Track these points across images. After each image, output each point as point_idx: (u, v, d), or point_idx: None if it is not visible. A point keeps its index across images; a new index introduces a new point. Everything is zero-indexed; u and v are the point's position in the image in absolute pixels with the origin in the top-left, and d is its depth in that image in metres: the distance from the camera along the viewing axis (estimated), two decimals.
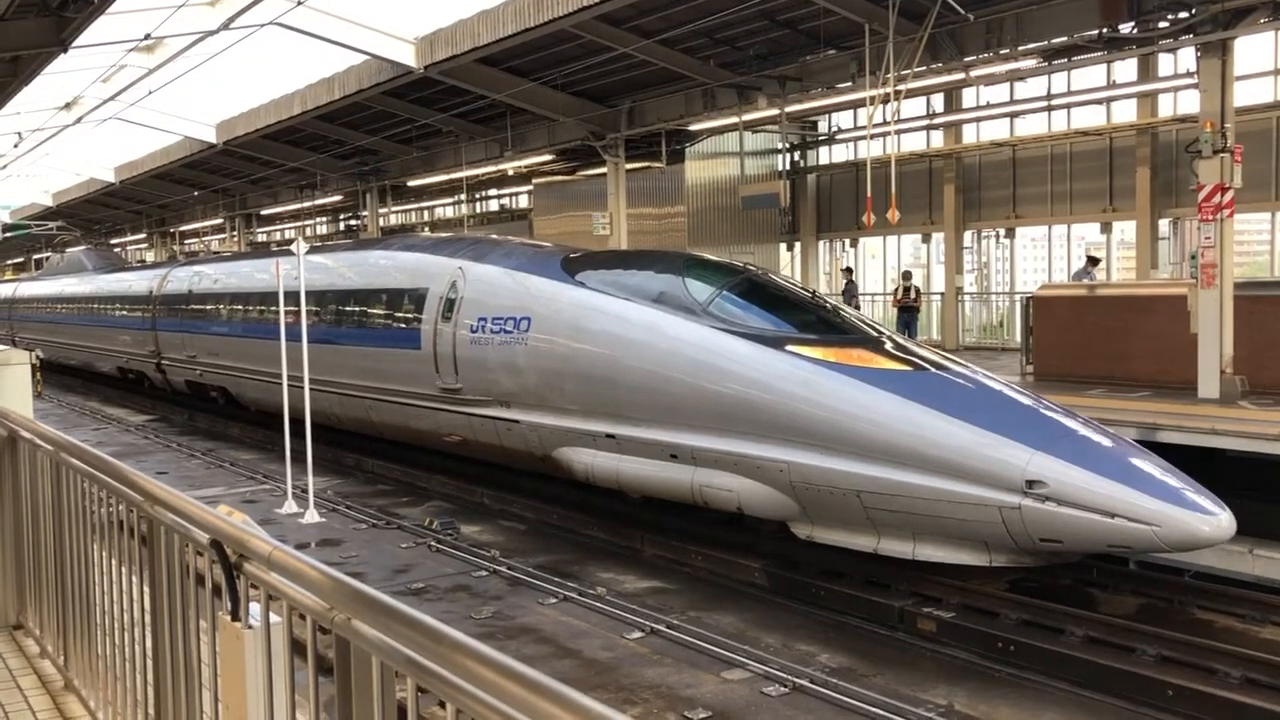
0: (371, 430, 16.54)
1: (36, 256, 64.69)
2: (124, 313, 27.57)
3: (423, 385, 14.17)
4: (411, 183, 35.23)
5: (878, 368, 9.66)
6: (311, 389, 15.17)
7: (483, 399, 13.21)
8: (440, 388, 13.77)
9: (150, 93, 27.82)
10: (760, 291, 11.41)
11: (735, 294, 11.13)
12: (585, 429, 11.77)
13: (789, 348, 10.05)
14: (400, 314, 14.93)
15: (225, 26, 21.31)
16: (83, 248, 45.89)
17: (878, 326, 11.29)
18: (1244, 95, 18.62)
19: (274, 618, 2.86)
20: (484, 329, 13.01)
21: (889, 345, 10.42)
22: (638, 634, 8.86)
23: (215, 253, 46.28)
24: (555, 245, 14.97)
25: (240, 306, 20.56)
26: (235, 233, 47.29)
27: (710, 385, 10.31)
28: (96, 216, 57.35)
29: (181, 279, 24.38)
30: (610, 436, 11.49)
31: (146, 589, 3.80)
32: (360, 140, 32.45)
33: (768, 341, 10.19)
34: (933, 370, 9.76)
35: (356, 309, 16.30)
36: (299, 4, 20.33)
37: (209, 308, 21.90)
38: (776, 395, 9.76)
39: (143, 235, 57.25)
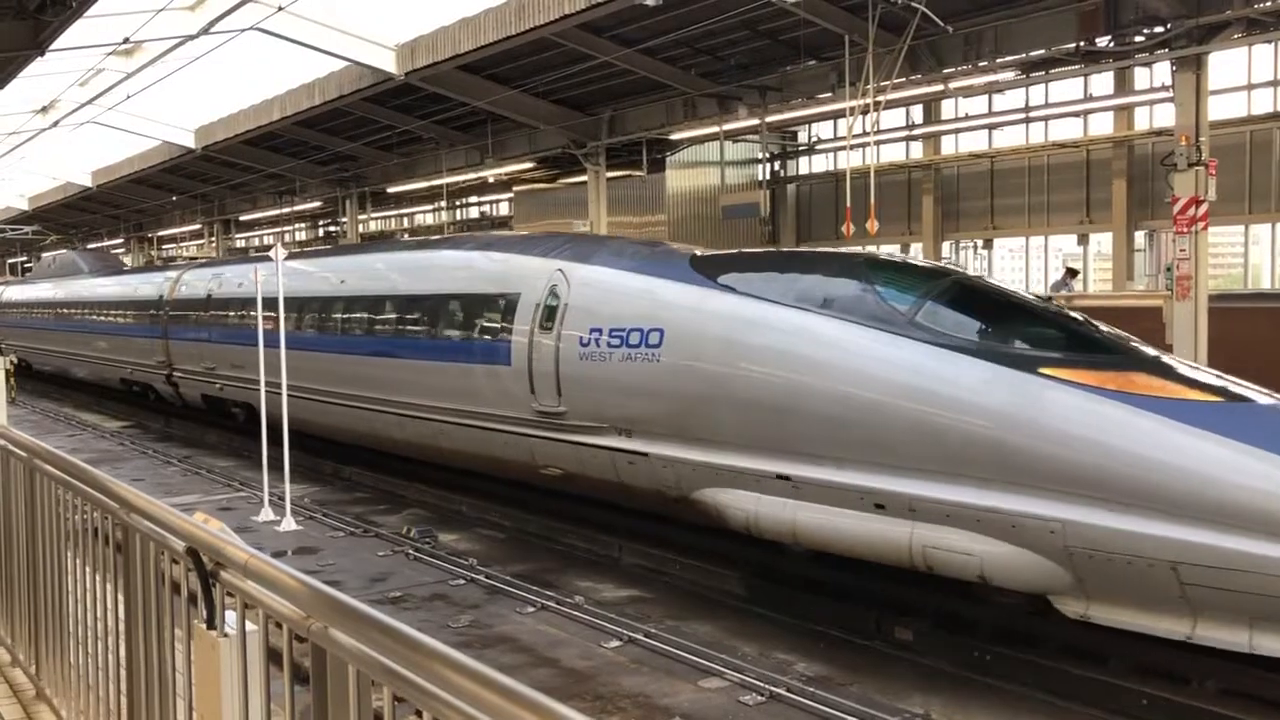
0: (441, 458, 14.32)
1: (12, 261, 64.02)
2: (129, 319, 25.08)
3: (512, 407, 12.04)
4: (391, 189, 35.17)
5: (1191, 400, 7.73)
6: (363, 408, 13.92)
7: (594, 425, 11.05)
8: (536, 411, 11.59)
9: (128, 97, 27.71)
10: (979, 298, 9.36)
11: (947, 301, 9.04)
12: (745, 467, 9.52)
13: (1045, 370, 8.06)
14: (482, 324, 12.94)
15: (205, 31, 21.26)
16: (76, 249, 44.14)
17: (1140, 342, 9.03)
18: (1219, 109, 18.83)
19: (250, 626, 2.85)
20: (597, 342, 10.94)
21: (1181, 369, 8.41)
22: (615, 643, 8.84)
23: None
24: (664, 243, 13.27)
25: (271, 313, 18.82)
26: (214, 238, 47.06)
27: (937, 418, 8.28)
28: (73, 221, 56.95)
29: (198, 283, 21.88)
30: (783, 478, 9.23)
31: (121, 597, 3.78)
32: (340, 146, 32.38)
33: (1014, 362, 8.20)
34: (1262, 403, 7.79)
35: (421, 318, 14.13)
36: (280, 9, 20.27)
37: (233, 315, 19.55)
38: (1044, 435, 7.72)
39: (120, 240, 56.89)
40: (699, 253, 11.52)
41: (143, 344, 23.61)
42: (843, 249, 14.70)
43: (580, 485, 11.97)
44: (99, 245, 60.55)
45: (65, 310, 30.90)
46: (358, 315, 15.60)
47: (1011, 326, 8.83)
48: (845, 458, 8.79)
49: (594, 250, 12.20)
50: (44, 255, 47.77)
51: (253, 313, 18.30)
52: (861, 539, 8.79)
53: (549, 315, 11.65)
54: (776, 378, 9.25)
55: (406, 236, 39.83)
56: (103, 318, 27.19)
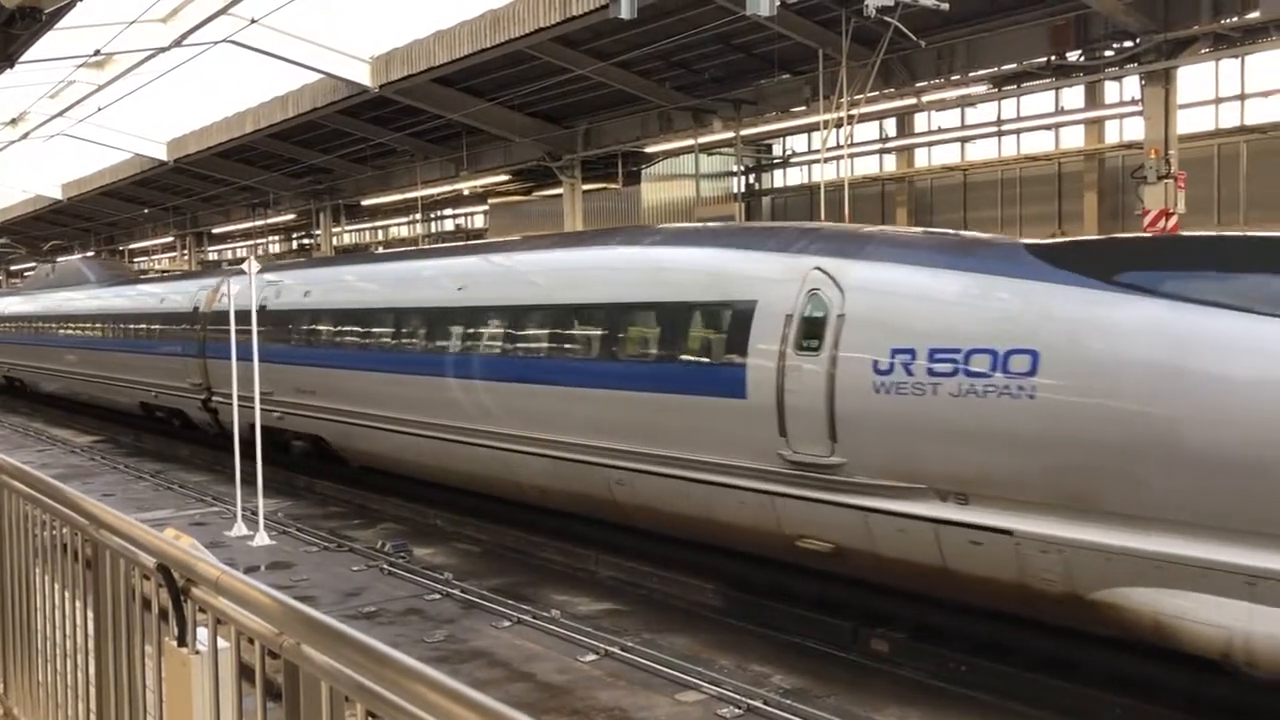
0: (618, 514, 11.16)
1: None
2: (154, 335, 21.89)
3: (742, 453, 9.23)
4: (366, 202, 35.08)
5: None
6: (492, 446, 11.88)
7: (897, 485, 8.23)
8: (790, 461, 8.78)
9: (99, 109, 27.52)
10: None
11: None
12: (1218, 560, 6.64)
13: None
14: (689, 342, 10.19)
15: (177, 43, 21.16)
16: (80, 256, 41.43)
17: None
18: (1187, 123, 19.06)
19: (222, 643, 2.82)
20: (907, 369, 8.11)
21: None
22: (592, 656, 8.81)
23: (308, 256, 39.50)
24: (956, 232, 10.31)
25: (359, 328, 15.14)
26: (186, 251, 46.77)
27: None
28: (43, 234, 56.47)
29: (249, 291, 20.02)
30: None
31: (91, 614, 3.73)
32: (314, 159, 32.28)
33: None
34: None
35: (588, 334, 11.41)
36: (252, 22, 20.21)
37: (301, 329, 16.57)
38: None
39: (91, 254, 56.45)
40: (1035, 241, 8.76)
41: (173, 363, 20.19)
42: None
43: (864, 567, 8.85)
44: (69, 259, 60.05)
45: (70, 324, 27.50)
46: (487, 330, 12.63)
47: None
48: None
49: (863, 243, 9.25)
50: (41, 264, 44.92)
51: (328, 327, 15.68)
52: None
53: (810, 331, 8.79)
54: (1272, 423, 6.47)
55: (379, 249, 39.43)
56: (118, 333, 23.90)
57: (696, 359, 10.04)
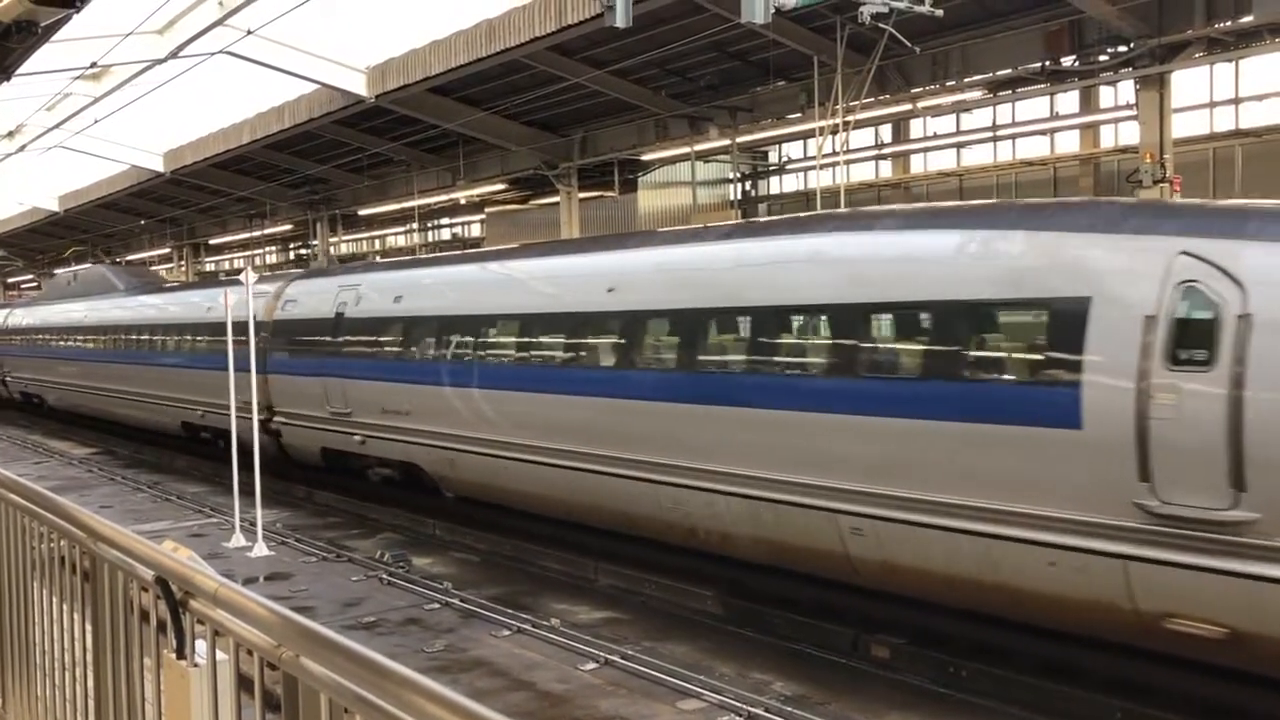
0: (845, 571, 9.10)
1: None
2: (201, 347, 19.36)
3: (1072, 501, 7.25)
4: (362, 211, 35.10)
5: None
6: (641, 478, 10.23)
7: None
8: (1159, 513, 6.79)
9: (96, 121, 27.54)
10: None
11: None
12: None
13: None
14: (976, 351, 8.17)
15: (173, 55, 21.18)
16: (105, 263, 39.78)
17: None
18: (1182, 127, 19.09)
19: (220, 655, 2.81)
20: None
21: None
22: (592, 665, 8.80)
23: (389, 258, 36.53)
24: None
25: (473, 339, 12.94)
26: (183, 262, 46.76)
27: None
28: (40, 246, 56.46)
29: (318, 297, 16.65)
30: None
31: (89, 626, 3.72)
32: (311, 169, 32.29)
33: None
34: None
35: (808, 344, 9.65)
36: (249, 33, 20.23)
37: (390, 341, 14.44)
38: None
39: (88, 265, 56.45)
40: None
41: (223, 379, 17.17)
42: None
43: (1275, 658, 6.70)
44: (67, 271, 60.00)
45: (97, 336, 25.14)
46: (650, 340, 10.74)
47: None
48: None
49: (1242, 219, 7.28)
50: (59, 271, 42.32)
51: (431, 338, 13.44)
52: None
53: (1191, 338, 6.78)
54: None
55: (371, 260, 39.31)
56: (156, 345, 21.65)
57: (988, 375, 7.95)
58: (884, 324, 8.96)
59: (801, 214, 15.24)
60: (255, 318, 17.15)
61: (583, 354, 11.40)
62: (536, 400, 11.70)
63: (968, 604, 8.41)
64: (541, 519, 12.65)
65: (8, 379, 32.72)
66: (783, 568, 9.78)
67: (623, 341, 10.85)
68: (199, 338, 19.50)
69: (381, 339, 14.59)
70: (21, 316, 32.48)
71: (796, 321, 9.69)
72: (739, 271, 10.23)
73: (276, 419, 16.93)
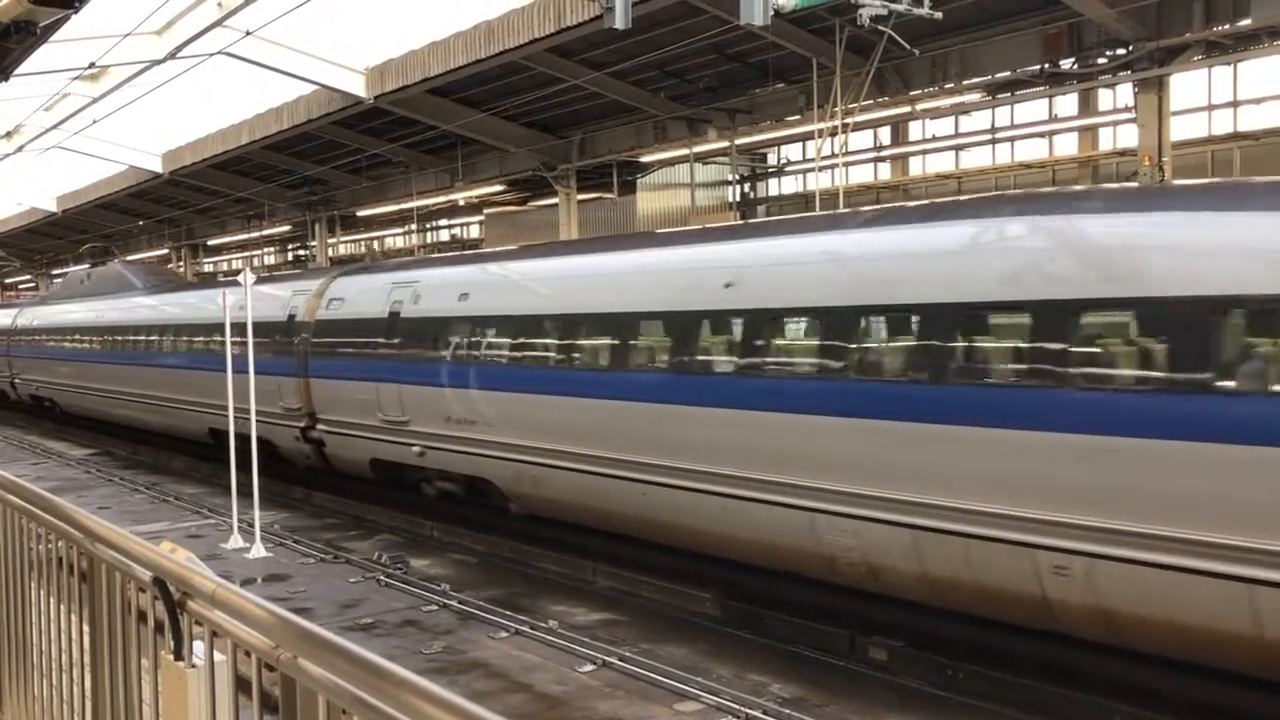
0: (1043, 615, 7.78)
1: None
2: (235, 349, 17.46)
3: None
4: (361, 212, 35.09)
5: None
6: (772, 502, 9.06)
7: None
8: None
9: (94, 122, 27.52)
10: None
11: None
12: None
13: None
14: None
15: (172, 55, 21.18)
16: (120, 260, 38.13)
17: None
18: (1180, 130, 19.11)
19: (218, 656, 2.81)
20: None
21: None
22: (590, 667, 8.79)
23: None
24: None
25: (558, 340, 11.67)
26: (181, 263, 46.74)
27: None
28: (38, 246, 56.43)
29: (368, 295, 15.25)
30: None
31: (86, 628, 3.72)
32: (309, 170, 32.28)
33: None
34: None
35: (996, 347, 8.13)
36: (247, 34, 20.23)
37: (455, 343, 13.07)
38: None
39: (86, 266, 56.43)
40: None
41: (264, 386, 15.34)
42: None
43: None
44: (63, 271, 59.92)
45: (116, 337, 23.74)
46: (780, 343, 9.55)
47: None
48: None
49: None
50: (71, 269, 39.62)
51: (506, 339, 12.22)
52: None
53: None
54: None
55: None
56: (180, 347, 20.32)
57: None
58: (1096, 324, 7.46)
59: (941, 201, 12.13)
60: (294, 318, 16.37)
61: (690, 358, 10.04)
62: (632, 413, 10.44)
63: (1217, 659, 7.11)
64: (541, 521, 12.63)
65: (16, 381, 31.50)
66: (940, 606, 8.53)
67: (745, 344, 9.55)
68: (236, 339, 17.22)
69: (444, 341, 13.21)
70: (31, 317, 31.26)
71: (1011, 322, 7.94)
72: (897, 265, 8.82)
73: (319, 427, 15.61)
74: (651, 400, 10.37)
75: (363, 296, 15.31)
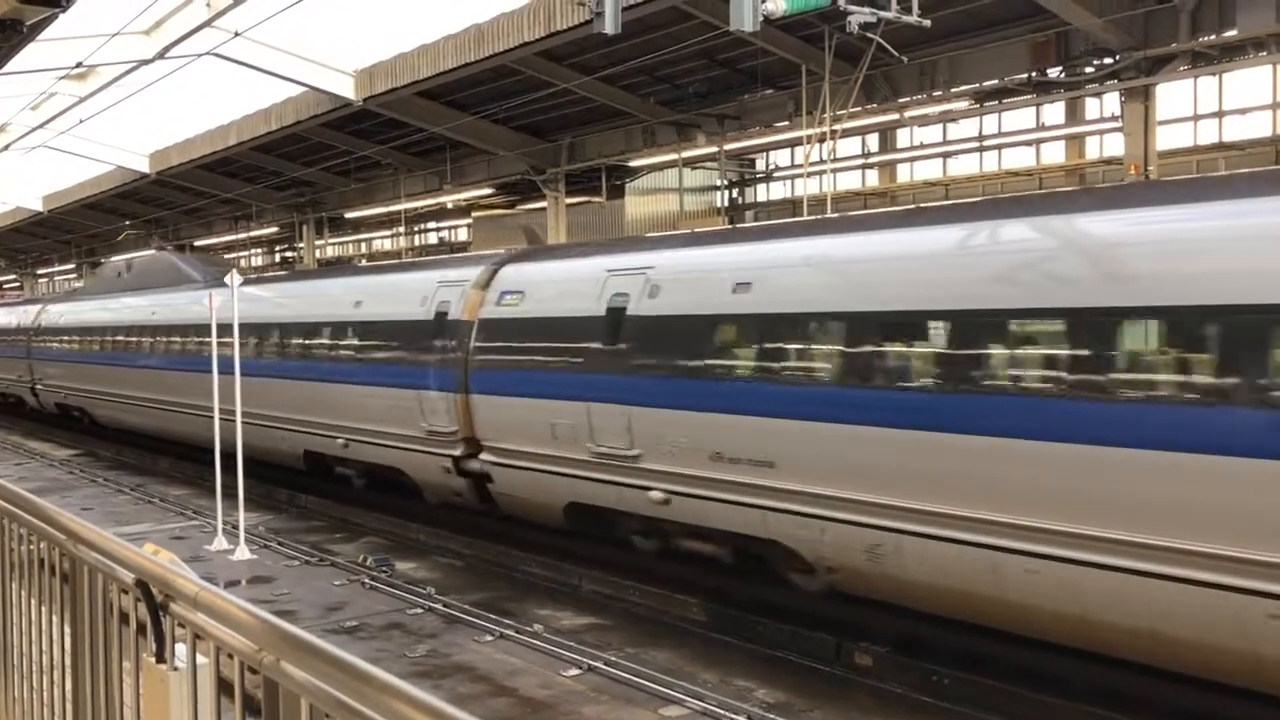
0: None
1: None
2: (351, 357, 14.82)
3: None
4: (349, 214, 35.04)
5: None
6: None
7: None
8: None
9: (81, 121, 27.42)
10: None
11: None
12: None
13: None
14: None
15: (160, 56, 21.12)
16: (168, 247, 34.24)
17: None
18: (1166, 139, 19.24)
19: (200, 659, 2.80)
20: None
21: None
22: (575, 671, 8.78)
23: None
24: None
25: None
26: None
27: None
28: (22, 246, 56.17)
29: (562, 287, 12.01)
30: None
31: (68, 629, 3.70)
32: (297, 172, 32.22)
33: None
34: None
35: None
36: (236, 35, 20.19)
37: (744, 352, 9.73)
38: None
39: (71, 266, 56.20)
40: None
41: (386, 399, 13.44)
42: None
43: None
44: (49, 271, 59.61)
45: (176, 340, 19.84)
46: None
47: None
48: None
49: None
50: (108, 261, 34.13)
51: (829, 346, 8.79)
52: None
53: None
54: None
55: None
56: (274, 353, 16.53)
57: None
58: None
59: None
60: (444, 315, 12.94)
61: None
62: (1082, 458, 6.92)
63: None
64: (528, 524, 12.60)
65: (38, 387, 27.47)
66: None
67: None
68: (347, 343, 14.96)
69: (716, 347, 9.79)
70: (58, 313, 26.89)
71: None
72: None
73: (483, 456, 12.33)
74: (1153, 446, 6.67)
75: (556, 288, 11.96)
